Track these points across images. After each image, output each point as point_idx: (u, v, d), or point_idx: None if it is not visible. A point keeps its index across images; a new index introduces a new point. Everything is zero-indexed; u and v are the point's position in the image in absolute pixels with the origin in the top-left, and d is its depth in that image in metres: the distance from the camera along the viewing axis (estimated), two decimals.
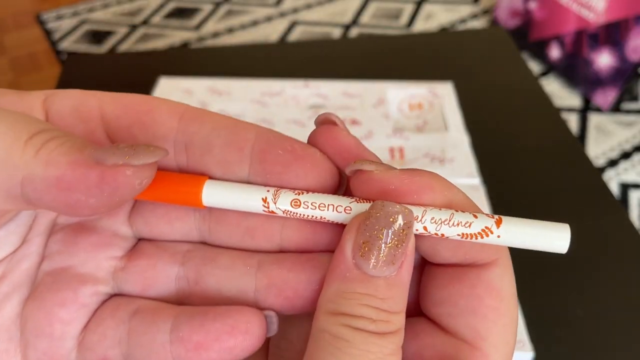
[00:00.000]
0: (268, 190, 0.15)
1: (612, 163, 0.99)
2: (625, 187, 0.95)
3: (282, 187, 0.15)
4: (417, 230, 0.14)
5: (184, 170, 0.16)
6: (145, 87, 0.51)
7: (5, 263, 0.16)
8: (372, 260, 0.14)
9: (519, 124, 0.51)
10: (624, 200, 0.93)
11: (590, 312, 0.36)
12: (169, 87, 0.51)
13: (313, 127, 0.17)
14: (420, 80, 0.52)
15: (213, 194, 0.16)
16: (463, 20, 1.39)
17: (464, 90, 0.51)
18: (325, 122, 0.16)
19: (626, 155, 1.01)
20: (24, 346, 0.16)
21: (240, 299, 0.16)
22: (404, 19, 1.40)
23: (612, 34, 1.05)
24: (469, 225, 0.14)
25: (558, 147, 0.49)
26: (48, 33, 1.39)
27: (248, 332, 0.15)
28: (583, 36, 1.10)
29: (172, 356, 0.15)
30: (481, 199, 0.40)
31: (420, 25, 1.37)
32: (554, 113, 0.52)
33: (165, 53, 0.71)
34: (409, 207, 0.14)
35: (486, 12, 1.41)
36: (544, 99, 0.54)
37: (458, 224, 0.14)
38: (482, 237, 0.14)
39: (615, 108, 1.09)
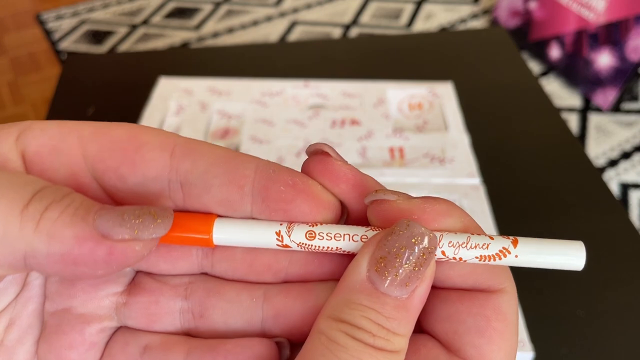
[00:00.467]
0: (281, 224, 0.15)
1: (612, 163, 0.99)
2: (625, 187, 0.95)
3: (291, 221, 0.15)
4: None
5: (180, 208, 0.16)
6: (145, 87, 0.51)
7: (10, 310, 0.16)
8: (386, 278, 0.14)
9: (519, 124, 0.51)
10: (624, 200, 0.93)
11: (591, 312, 0.36)
12: (169, 87, 0.51)
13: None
14: (420, 80, 0.52)
15: (224, 233, 0.15)
16: (463, 20, 1.39)
17: (464, 90, 0.51)
18: (317, 153, 0.16)
19: (626, 155, 1.01)
20: None
21: (248, 330, 0.16)
22: (404, 19, 1.40)
23: (612, 33, 1.05)
24: (487, 247, 0.14)
25: (558, 147, 0.49)
26: (48, 33, 1.39)
27: None
28: (583, 36, 1.10)
29: None
30: (481, 199, 0.40)
31: (420, 25, 1.37)
32: (554, 113, 0.52)
33: (165, 53, 0.71)
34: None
35: (486, 12, 1.41)
36: (544, 99, 0.54)
37: (476, 247, 0.14)
38: (499, 259, 0.14)
39: (616, 108, 1.09)
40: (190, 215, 0.15)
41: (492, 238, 0.14)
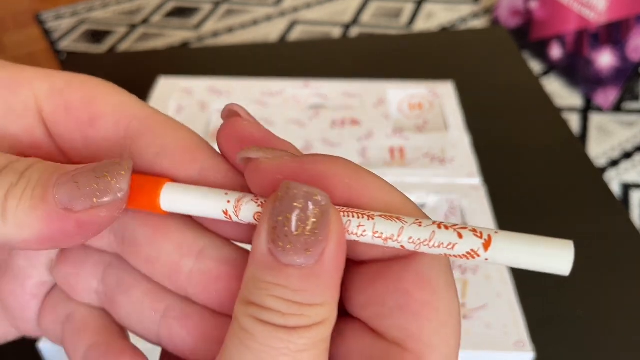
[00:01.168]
0: (229, 202, 0.14)
1: (613, 163, 0.99)
2: (626, 187, 0.95)
3: (243, 192, 0.14)
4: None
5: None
6: (144, 87, 0.51)
7: None
8: (283, 248, 0.12)
9: (520, 124, 0.51)
10: (625, 200, 0.93)
11: (591, 312, 0.36)
12: (168, 87, 0.51)
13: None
14: (420, 80, 0.52)
15: (172, 200, 0.14)
16: (464, 20, 1.38)
17: (465, 90, 0.51)
18: (229, 115, 0.15)
19: (627, 155, 1.01)
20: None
21: (145, 336, 0.16)
22: (405, 18, 1.40)
23: (613, 33, 1.05)
24: (452, 247, 0.12)
25: (559, 146, 0.49)
26: (47, 32, 1.39)
27: None
28: (584, 36, 1.10)
29: None
30: (481, 199, 0.40)
31: (420, 25, 1.37)
32: (554, 113, 0.52)
33: (165, 52, 0.71)
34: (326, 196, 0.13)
35: (487, 11, 1.41)
36: (545, 99, 0.54)
37: (440, 245, 0.12)
38: (467, 259, 0.13)
39: (617, 108, 1.09)
40: (141, 177, 0.15)
41: (460, 236, 0.12)
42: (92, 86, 0.15)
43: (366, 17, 1.41)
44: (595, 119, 1.08)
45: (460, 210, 0.40)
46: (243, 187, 0.14)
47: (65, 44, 1.34)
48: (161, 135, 0.15)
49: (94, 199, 0.13)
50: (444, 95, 0.50)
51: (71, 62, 0.60)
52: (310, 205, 0.12)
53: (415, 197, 0.41)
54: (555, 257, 0.12)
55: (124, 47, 1.31)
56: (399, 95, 0.50)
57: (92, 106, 0.15)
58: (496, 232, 0.12)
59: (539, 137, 0.49)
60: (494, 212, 0.40)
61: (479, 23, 1.37)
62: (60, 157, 0.16)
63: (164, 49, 1.09)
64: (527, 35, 1.22)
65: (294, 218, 0.12)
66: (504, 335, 0.32)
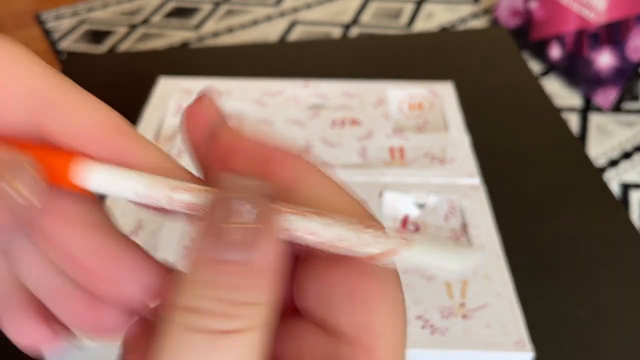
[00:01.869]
0: (163, 190, 0.13)
1: (613, 163, 0.99)
2: (626, 187, 0.95)
3: (176, 180, 0.13)
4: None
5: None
6: (145, 87, 0.51)
7: None
8: (218, 241, 0.11)
9: (520, 124, 0.51)
10: (624, 200, 0.93)
11: (591, 312, 0.36)
12: (168, 87, 0.51)
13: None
14: (420, 80, 0.52)
15: (95, 179, 0.13)
16: (463, 20, 1.38)
17: (464, 90, 0.51)
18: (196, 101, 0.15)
19: (627, 155, 1.01)
20: None
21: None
22: (404, 18, 1.40)
23: (612, 33, 1.05)
24: (372, 246, 0.13)
25: (558, 147, 0.49)
26: (47, 33, 1.39)
27: None
28: (584, 36, 1.10)
29: None
30: (481, 199, 0.40)
31: (420, 25, 1.37)
32: (554, 113, 0.52)
33: (165, 53, 0.71)
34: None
35: (487, 11, 1.41)
36: (545, 99, 0.54)
37: (365, 244, 0.13)
38: (385, 258, 0.13)
39: (616, 108, 1.09)
40: (53, 152, 0.13)
41: (381, 236, 0.13)
42: None
43: (366, 17, 1.41)
44: (595, 119, 1.08)
45: (460, 210, 0.40)
46: (169, 175, 0.14)
47: (66, 44, 1.34)
48: (72, 114, 0.13)
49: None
50: (443, 96, 0.50)
51: (71, 62, 0.60)
52: (250, 202, 0.12)
53: (415, 197, 0.41)
54: (455, 259, 0.13)
55: (124, 47, 1.31)
56: (399, 95, 0.50)
57: None
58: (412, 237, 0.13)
59: (539, 137, 0.49)
60: (494, 212, 0.40)
61: (479, 23, 1.37)
62: None
63: (164, 49, 1.09)
64: (527, 35, 1.22)
65: (235, 210, 0.12)
66: (504, 335, 0.32)
